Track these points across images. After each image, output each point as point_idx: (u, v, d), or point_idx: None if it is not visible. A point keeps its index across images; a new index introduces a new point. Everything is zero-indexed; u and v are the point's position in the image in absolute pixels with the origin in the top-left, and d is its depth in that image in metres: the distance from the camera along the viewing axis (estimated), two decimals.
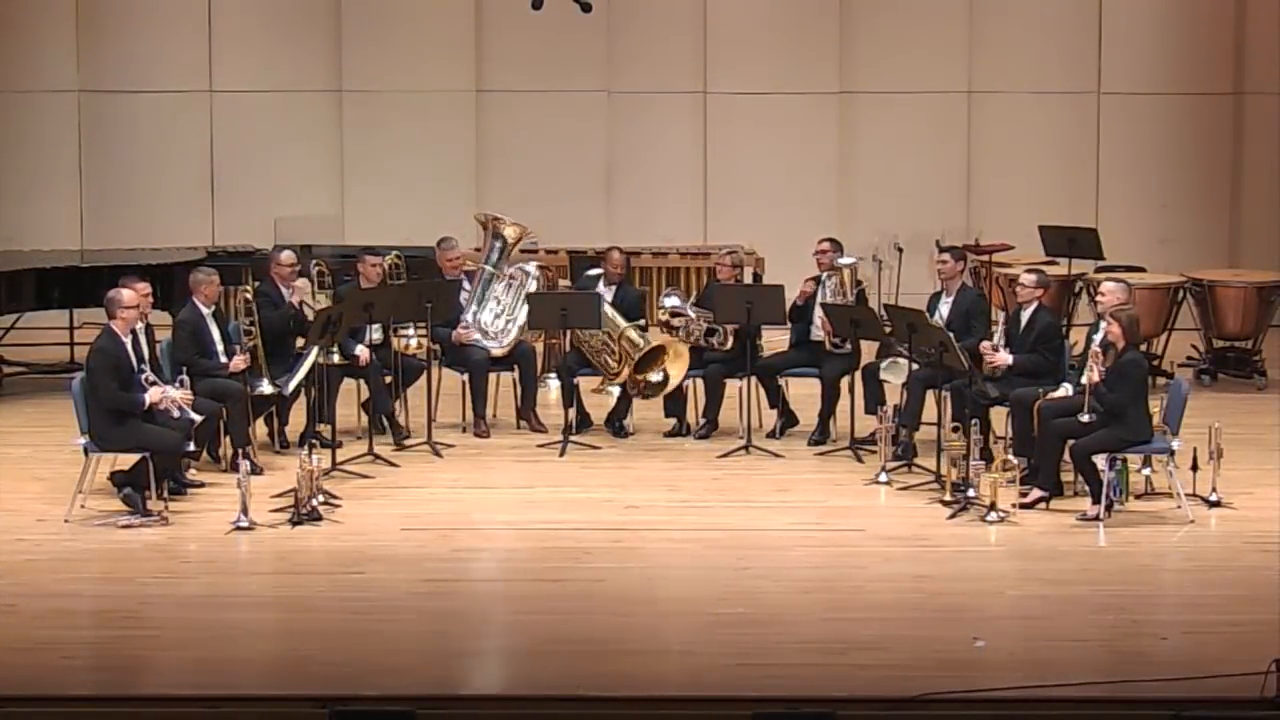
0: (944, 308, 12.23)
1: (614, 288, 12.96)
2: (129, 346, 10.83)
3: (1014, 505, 10.90)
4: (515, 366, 12.97)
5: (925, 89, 16.93)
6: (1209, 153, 17.13)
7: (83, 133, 16.92)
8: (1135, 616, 9.31)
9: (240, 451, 11.37)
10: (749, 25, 17.01)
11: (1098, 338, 11.06)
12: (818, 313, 12.60)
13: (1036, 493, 11.04)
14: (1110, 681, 8.34)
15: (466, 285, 13.00)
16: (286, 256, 12.55)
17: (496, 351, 12.84)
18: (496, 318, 12.95)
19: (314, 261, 12.65)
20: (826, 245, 12.80)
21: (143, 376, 10.77)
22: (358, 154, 16.90)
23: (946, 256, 12.41)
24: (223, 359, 11.67)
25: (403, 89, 16.87)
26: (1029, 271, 12.17)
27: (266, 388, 11.76)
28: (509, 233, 13.08)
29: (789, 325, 12.77)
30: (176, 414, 10.77)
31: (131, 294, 10.99)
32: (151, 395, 10.73)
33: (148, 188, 16.44)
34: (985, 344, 11.71)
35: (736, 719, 8.02)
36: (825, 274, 12.70)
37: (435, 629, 9.18)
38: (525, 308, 12.77)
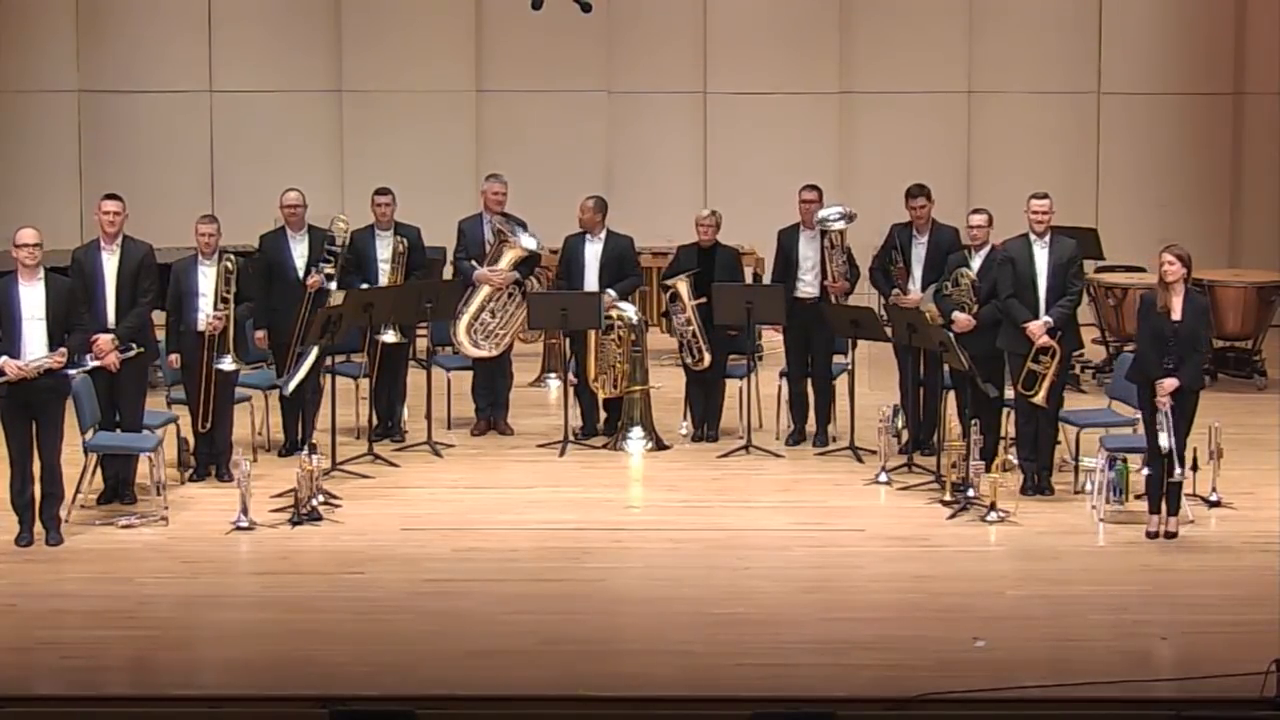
0: (919, 249, 12.08)
1: (600, 242, 12.65)
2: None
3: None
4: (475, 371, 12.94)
5: (925, 89, 16.94)
6: (1209, 153, 17.15)
7: (83, 133, 16.94)
8: (1135, 616, 9.30)
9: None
10: (749, 25, 17.03)
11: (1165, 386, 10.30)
12: (808, 264, 12.37)
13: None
14: (1110, 681, 8.33)
15: (486, 223, 12.78)
16: (291, 197, 12.29)
17: (487, 354, 12.76)
18: (494, 317, 12.83)
19: (317, 266, 12.37)
20: (814, 195, 12.41)
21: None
22: (358, 154, 16.90)
23: (922, 200, 12.07)
24: (200, 313, 11.38)
25: (403, 89, 16.89)
26: (976, 211, 11.76)
27: (227, 364, 11.39)
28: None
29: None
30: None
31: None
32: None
33: (148, 188, 16.38)
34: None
35: (736, 719, 8.02)
36: (818, 228, 12.30)
37: (435, 629, 9.17)
38: (520, 313, 12.73)
